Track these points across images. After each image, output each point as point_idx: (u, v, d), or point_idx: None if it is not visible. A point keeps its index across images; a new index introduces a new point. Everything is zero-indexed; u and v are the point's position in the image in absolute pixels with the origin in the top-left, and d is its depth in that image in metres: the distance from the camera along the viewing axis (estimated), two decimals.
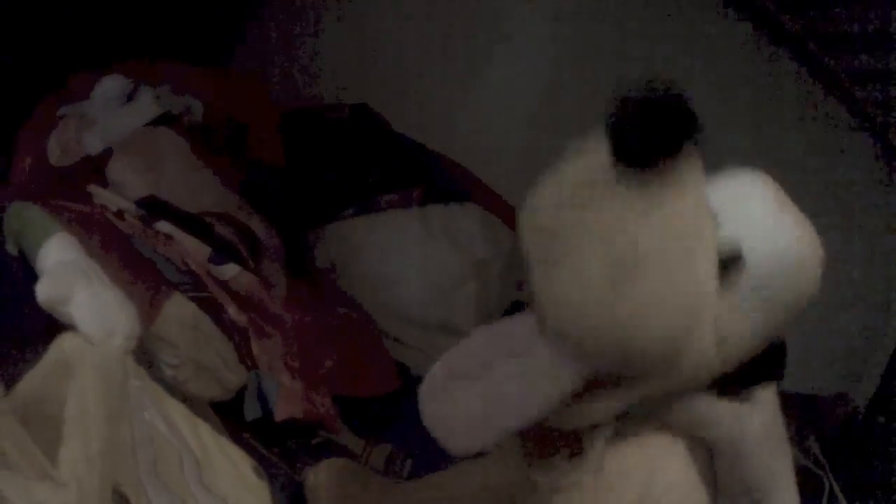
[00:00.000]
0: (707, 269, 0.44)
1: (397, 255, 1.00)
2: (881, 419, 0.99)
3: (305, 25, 1.27)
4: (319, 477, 0.79)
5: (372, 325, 0.99)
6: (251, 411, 0.86)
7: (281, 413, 0.85)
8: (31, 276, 0.77)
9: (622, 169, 0.44)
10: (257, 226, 0.96)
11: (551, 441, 0.55)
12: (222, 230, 0.93)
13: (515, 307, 1.07)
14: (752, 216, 0.46)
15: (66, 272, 0.76)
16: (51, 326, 0.72)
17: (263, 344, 0.88)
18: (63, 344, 0.69)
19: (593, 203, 0.45)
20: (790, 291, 0.47)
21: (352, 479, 0.78)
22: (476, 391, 0.52)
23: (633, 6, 1.11)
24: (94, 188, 0.98)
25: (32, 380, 0.67)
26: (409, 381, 0.97)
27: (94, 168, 1.01)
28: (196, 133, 1.02)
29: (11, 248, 0.86)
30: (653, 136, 0.43)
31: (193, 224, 0.93)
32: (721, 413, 0.52)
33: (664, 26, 1.12)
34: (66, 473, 0.58)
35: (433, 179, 1.08)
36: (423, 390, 0.54)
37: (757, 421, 0.52)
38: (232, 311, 0.88)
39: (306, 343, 0.90)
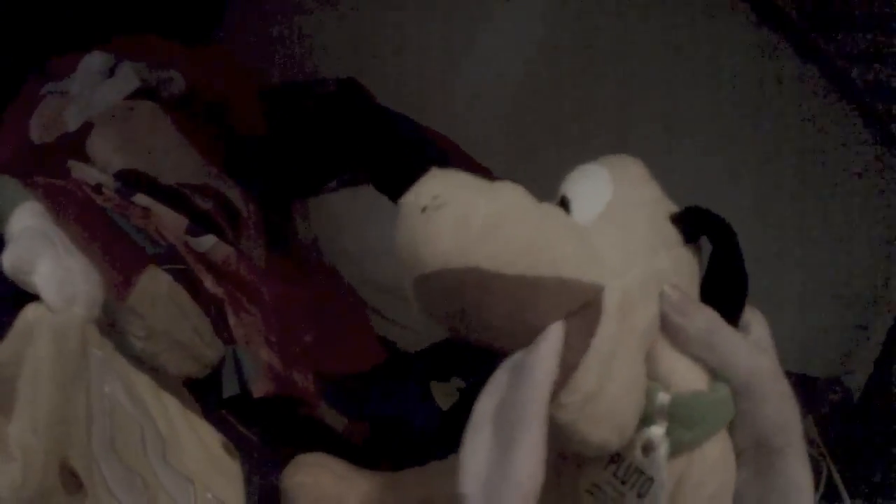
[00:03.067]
0: None
1: (379, 228, 0.94)
2: (880, 400, 0.94)
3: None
4: (296, 478, 0.72)
5: (354, 299, 0.93)
6: (229, 388, 0.81)
7: (259, 389, 0.80)
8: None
9: None
10: (237, 197, 0.91)
11: (608, 486, 0.53)
12: (201, 202, 0.88)
13: None
14: None
15: (30, 240, 0.70)
16: (23, 298, 0.67)
17: (241, 318, 0.82)
18: (27, 313, 0.64)
19: None
20: None
21: (331, 477, 0.72)
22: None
23: None
24: (73, 163, 0.93)
25: (1, 349, 0.61)
26: (395, 357, 0.92)
27: (75, 143, 0.96)
28: (176, 105, 0.97)
29: None
30: None
31: (171, 196, 0.88)
32: (737, 350, 0.51)
33: (661, 10, 1.07)
34: (12, 445, 0.53)
35: (419, 153, 1.02)
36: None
37: (766, 361, 0.51)
38: (208, 283, 0.83)
39: (286, 317, 0.84)
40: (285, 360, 0.82)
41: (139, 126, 0.94)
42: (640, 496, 0.50)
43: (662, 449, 0.49)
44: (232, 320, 0.82)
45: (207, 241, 0.84)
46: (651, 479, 0.49)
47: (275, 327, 0.83)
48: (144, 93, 0.97)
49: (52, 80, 1.03)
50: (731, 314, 0.52)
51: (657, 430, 0.49)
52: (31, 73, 1.05)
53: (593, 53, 1.11)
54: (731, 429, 0.52)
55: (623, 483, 0.50)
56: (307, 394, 0.83)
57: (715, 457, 0.51)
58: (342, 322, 0.89)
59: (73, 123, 0.97)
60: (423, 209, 0.54)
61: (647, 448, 0.50)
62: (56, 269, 0.67)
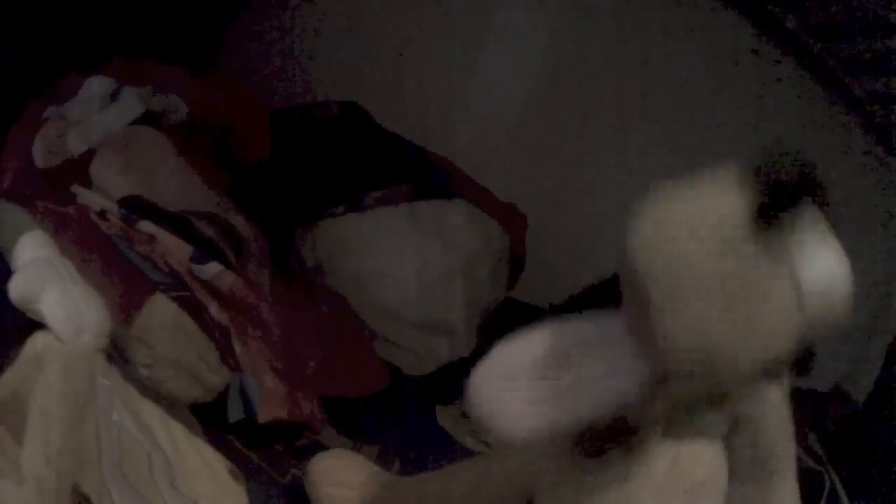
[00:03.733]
0: (794, 301, 0.48)
1: (385, 253, 0.94)
2: (882, 413, 0.94)
3: (293, 18, 1.22)
4: (320, 467, 0.74)
5: (359, 323, 0.93)
6: (234, 413, 0.80)
7: (264, 415, 0.79)
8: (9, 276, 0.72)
9: (760, 229, 0.46)
10: (241, 224, 0.91)
11: (605, 434, 0.55)
12: (205, 229, 0.87)
13: (508, 305, 1.01)
14: (819, 265, 0.48)
15: (37, 269, 0.70)
16: (32, 325, 0.67)
17: (246, 344, 0.82)
18: (36, 341, 0.65)
19: (723, 253, 0.47)
20: (828, 328, 0.50)
21: (353, 470, 0.74)
22: (548, 382, 0.52)
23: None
24: (77, 188, 0.92)
25: (9, 377, 0.62)
26: (400, 381, 0.92)
27: (79, 168, 0.95)
28: (180, 132, 0.97)
29: None
30: (794, 205, 0.46)
31: (176, 223, 0.87)
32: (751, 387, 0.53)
33: (660, 17, 1.07)
34: (25, 471, 0.53)
35: (421, 176, 1.02)
36: (480, 374, 0.53)
37: (775, 394, 0.53)
38: (214, 310, 0.82)
39: (290, 343, 0.84)
40: (290, 386, 0.82)
41: (142, 152, 0.93)
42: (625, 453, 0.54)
43: None
44: (238, 347, 0.81)
45: (212, 269, 0.83)
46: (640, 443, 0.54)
47: (280, 353, 0.82)
48: (147, 118, 0.97)
49: (53, 103, 1.03)
50: None
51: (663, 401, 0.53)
52: (34, 96, 1.05)
53: (595, 69, 1.11)
54: (734, 455, 0.54)
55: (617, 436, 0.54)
56: (312, 418, 0.82)
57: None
58: (346, 347, 0.89)
59: (76, 148, 0.96)
60: None
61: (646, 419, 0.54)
62: (64, 299, 0.67)
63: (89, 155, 0.95)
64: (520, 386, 0.52)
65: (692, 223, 0.48)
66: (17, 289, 0.68)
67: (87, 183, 0.93)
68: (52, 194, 0.91)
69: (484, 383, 0.53)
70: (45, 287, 0.68)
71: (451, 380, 0.93)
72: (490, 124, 1.15)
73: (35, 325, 0.67)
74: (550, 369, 0.52)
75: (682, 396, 0.53)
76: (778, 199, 0.46)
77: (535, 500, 0.60)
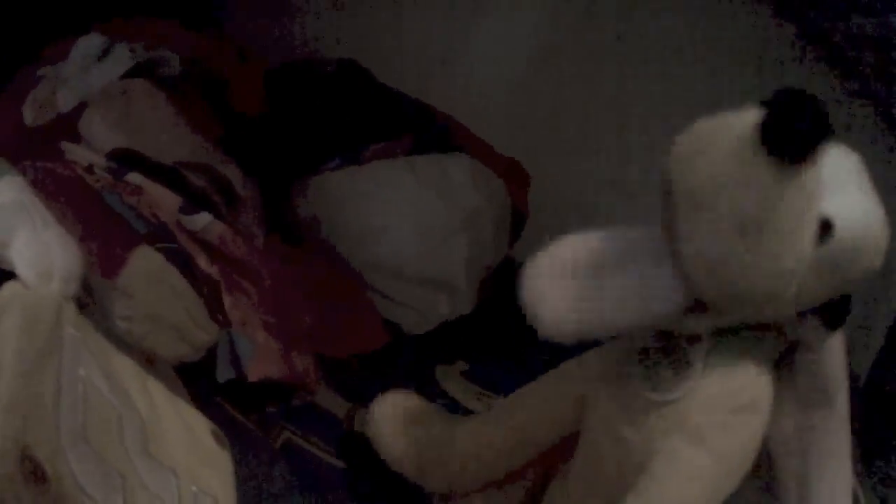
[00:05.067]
0: (810, 236, 0.49)
1: (384, 207, 0.88)
2: (876, 403, 0.89)
3: None
4: (382, 411, 0.70)
5: (357, 279, 0.87)
6: (223, 372, 0.74)
7: (255, 373, 0.73)
8: None
9: (769, 157, 0.47)
10: (234, 175, 0.85)
11: (654, 354, 0.57)
12: (196, 180, 0.82)
13: (508, 264, 0.95)
14: (847, 195, 0.51)
15: (7, 212, 0.65)
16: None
17: (237, 298, 0.76)
18: (3, 291, 0.59)
19: (737, 173, 0.48)
20: (861, 264, 0.51)
21: (415, 416, 0.70)
22: (594, 284, 0.53)
23: None
24: (65, 144, 0.87)
25: None
26: (399, 340, 0.86)
27: (68, 125, 0.90)
28: (172, 85, 0.91)
29: None
30: (801, 139, 0.47)
31: (166, 174, 0.81)
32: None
33: None
34: None
35: (421, 130, 0.96)
36: (530, 269, 0.55)
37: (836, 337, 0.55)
38: (202, 262, 0.76)
39: (284, 298, 0.78)
40: (284, 343, 0.76)
41: (133, 105, 0.88)
42: (674, 372, 0.55)
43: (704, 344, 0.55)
44: (227, 301, 0.75)
45: (202, 220, 0.77)
46: (689, 364, 0.55)
47: (272, 308, 0.77)
48: (139, 72, 0.92)
49: (45, 63, 0.98)
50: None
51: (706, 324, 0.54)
52: (30, 57, 1.01)
53: (593, 45, 1.06)
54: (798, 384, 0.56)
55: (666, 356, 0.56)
56: (307, 377, 0.76)
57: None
58: (343, 303, 0.83)
59: (65, 104, 0.91)
60: None
61: (693, 339, 0.55)
62: (31, 242, 0.62)
63: (79, 110, 0.89)
64: (566, 284, 0.53)
65: (720, 141, 0.49)
66: None
67: (77, 139, 0.88)
68: (39, 152, 0.86)
69: (533, 279, 0.54)
70: (15, 230, 0.63)
71: (452, 338, 0.88)
72: (490, 87, 1.09)
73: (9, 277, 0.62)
74: (597, 271, 0.53)
75: (721, 322, 0.54)
76: (786, 127, 0.47)
77: (584, 423, 0.61)
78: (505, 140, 1.00)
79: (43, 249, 0.62)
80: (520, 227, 0.98)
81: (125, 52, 0.94)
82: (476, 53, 1.10)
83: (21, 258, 0.61)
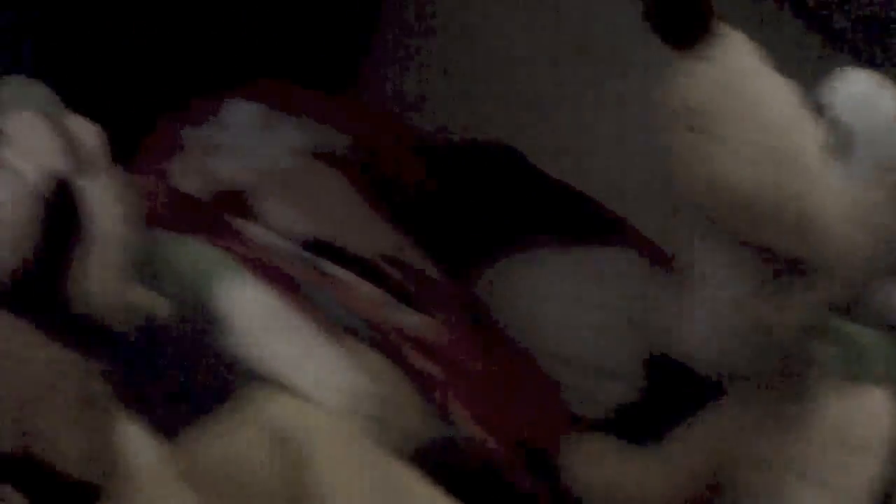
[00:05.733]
0: (798, 130, 0.50)
1: (555, 299, 0.93)
2: None
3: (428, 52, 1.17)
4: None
5: (540, 367, 0.92)
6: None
7: (474, 465, 0.78)
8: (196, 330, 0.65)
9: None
10: (429, 268, 0.89)
11: None
12: (394, 273, 0.85)
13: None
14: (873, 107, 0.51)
15: (268, 324, 0.65)
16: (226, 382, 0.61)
17: (448, 391, 0.80)
18: (269, 406, 0.57)
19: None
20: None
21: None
22: None
23: None
24: (242, 223, 0.88)
25: (215, 441, 0.56)
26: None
27: (237, 200, 0.90)
28: (349, 166, 0.93)
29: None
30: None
31: (362, 267, 0.84)
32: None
33: None
34: None
35: (586, 221, 1.01)
36: None
37: None
38: (413, 358, 0.80)
39: (487, 388, 0.83)
40: (489, 430, 0.81)
41: (314, 186, 0.90)
42: None
43: None
44: (440, 395, 0.80)
45: (408, 316, 0.82)
46: None
47: (479, 399, 0.82)
48: (314, 151, 0.94)
49: (191, 123, 0.97)
50: None
51: None
52: (163, 113, 0.99)
53: None
54: None
55: None
56: (510, 462, 0.82)
57: None
58: (538, 393, 0.88)
59: (231, 178, 0.92)
60: None
61: None
62: (309, 355, 0.62)
63: (250, 186, 0.90)
64: None
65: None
66: (251, 350, 0.61)
67: (247, 216, 0.88)
68: (209, 227, 0.85)
69: None
70: (275, 343, 0.63)
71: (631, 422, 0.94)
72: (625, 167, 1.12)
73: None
74: None
75: (813, 297, 0.53)
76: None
77: None
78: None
79: (326, 366, 0.63)
80: None
81: (292, 126, 0.95)
82: (608, 135, 1.11)
83: (303, 374, 0.60)
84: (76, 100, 0.67)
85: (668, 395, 0.85)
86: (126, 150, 0.90)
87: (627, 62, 1.05)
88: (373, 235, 0.88)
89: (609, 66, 1.09)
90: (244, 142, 0.95)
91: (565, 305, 0.93)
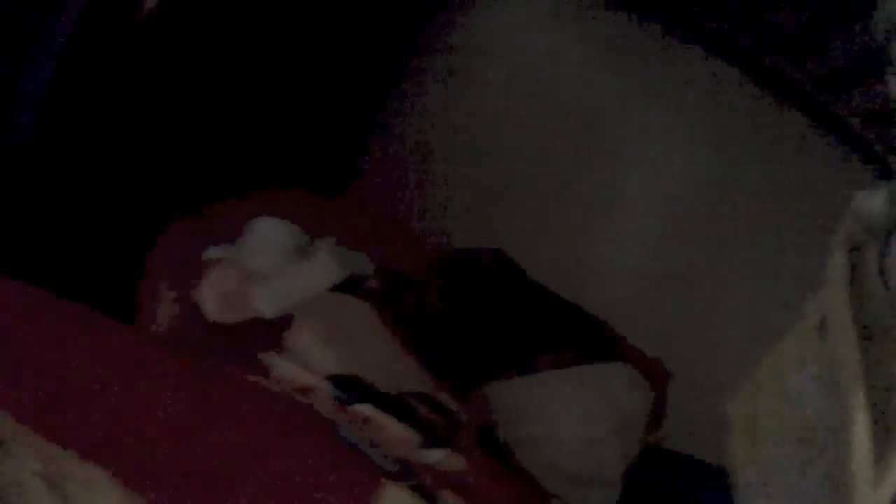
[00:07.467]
0: None
1: (553, 416, 0.95)
2: None
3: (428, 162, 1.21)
4: None
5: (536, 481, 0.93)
6: None
7: None
8: None
9: None
10: (450, 401, 0.89)
11: None
12: (424, 412, 0.85)
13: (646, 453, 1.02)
14: None
15: None
16: None
17: None
18: None
19: None
20: None
21: None
22: None
23: None
24: (271, 357, 0.88)
25: None
26: None
27: (270, 332, 0.90)
28: (377, 299, 0.94)
29: None
30: None
31: (393, 406, 0.85)
32: None
33: None
34: None
35: (585, 339, 1.03)
36: None
37: None
38: (447, 497, 0.80)
39: None
40: None
41: (348, 323, 0.91)
42: None
43: None
44: None
45: (439, 455, 0.83)
46: None
47: None
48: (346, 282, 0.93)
49: (208, 235, 0.97)
50: None
51: None
52: (175, 218, 0.99)
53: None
54: None
55: None
56: None
57: None
58: None
59: (267, 309, 0.91)
60: None
61: None
62: None
63: (285, 318, 0.90)
64: None
65: None
66: None
67: (276, 348, 0.88)
68: (235, 358, 0.87)
69: None
70: None
71: None
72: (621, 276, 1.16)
73: None
74: None
75: None
76: None
77: None
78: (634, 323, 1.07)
79: None
80: (660, 418, 1.05)
81: (331, 257, 0.93)
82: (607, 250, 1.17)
83: None
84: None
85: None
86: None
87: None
88: (399, 371, 0.90)
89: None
90: (280, 271, 0.94)
91: (560, 422, 0.95)
